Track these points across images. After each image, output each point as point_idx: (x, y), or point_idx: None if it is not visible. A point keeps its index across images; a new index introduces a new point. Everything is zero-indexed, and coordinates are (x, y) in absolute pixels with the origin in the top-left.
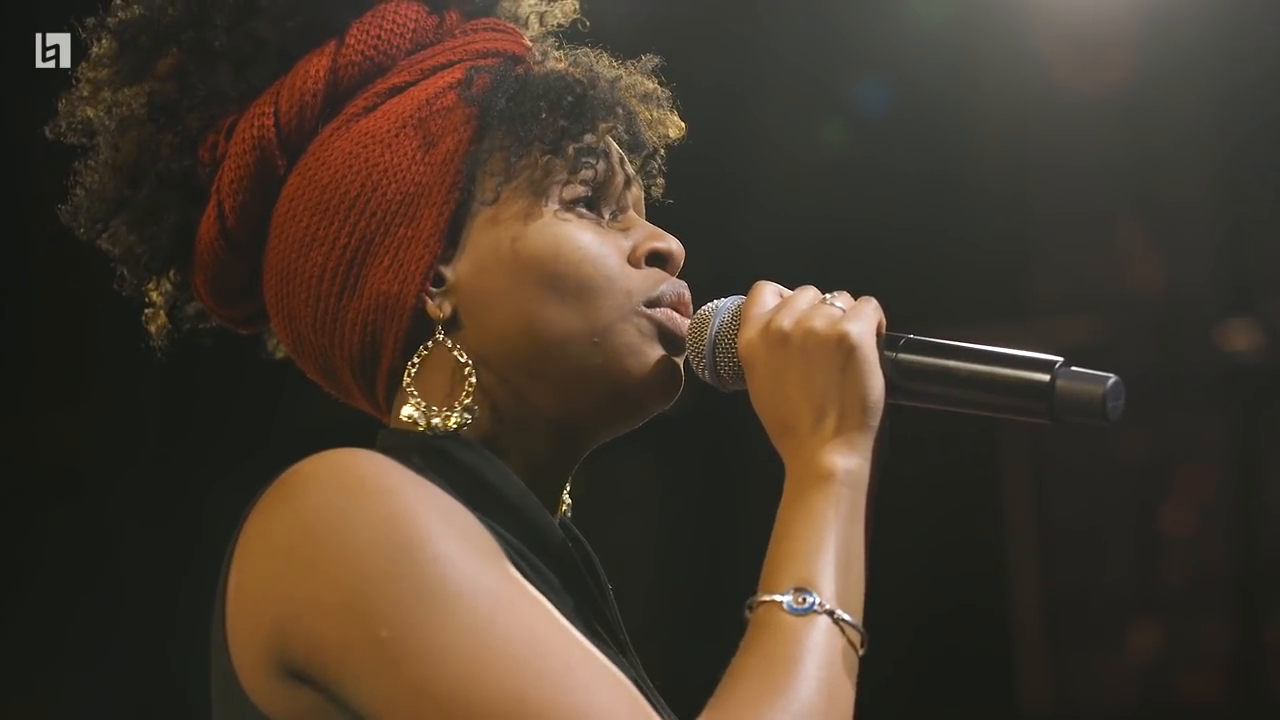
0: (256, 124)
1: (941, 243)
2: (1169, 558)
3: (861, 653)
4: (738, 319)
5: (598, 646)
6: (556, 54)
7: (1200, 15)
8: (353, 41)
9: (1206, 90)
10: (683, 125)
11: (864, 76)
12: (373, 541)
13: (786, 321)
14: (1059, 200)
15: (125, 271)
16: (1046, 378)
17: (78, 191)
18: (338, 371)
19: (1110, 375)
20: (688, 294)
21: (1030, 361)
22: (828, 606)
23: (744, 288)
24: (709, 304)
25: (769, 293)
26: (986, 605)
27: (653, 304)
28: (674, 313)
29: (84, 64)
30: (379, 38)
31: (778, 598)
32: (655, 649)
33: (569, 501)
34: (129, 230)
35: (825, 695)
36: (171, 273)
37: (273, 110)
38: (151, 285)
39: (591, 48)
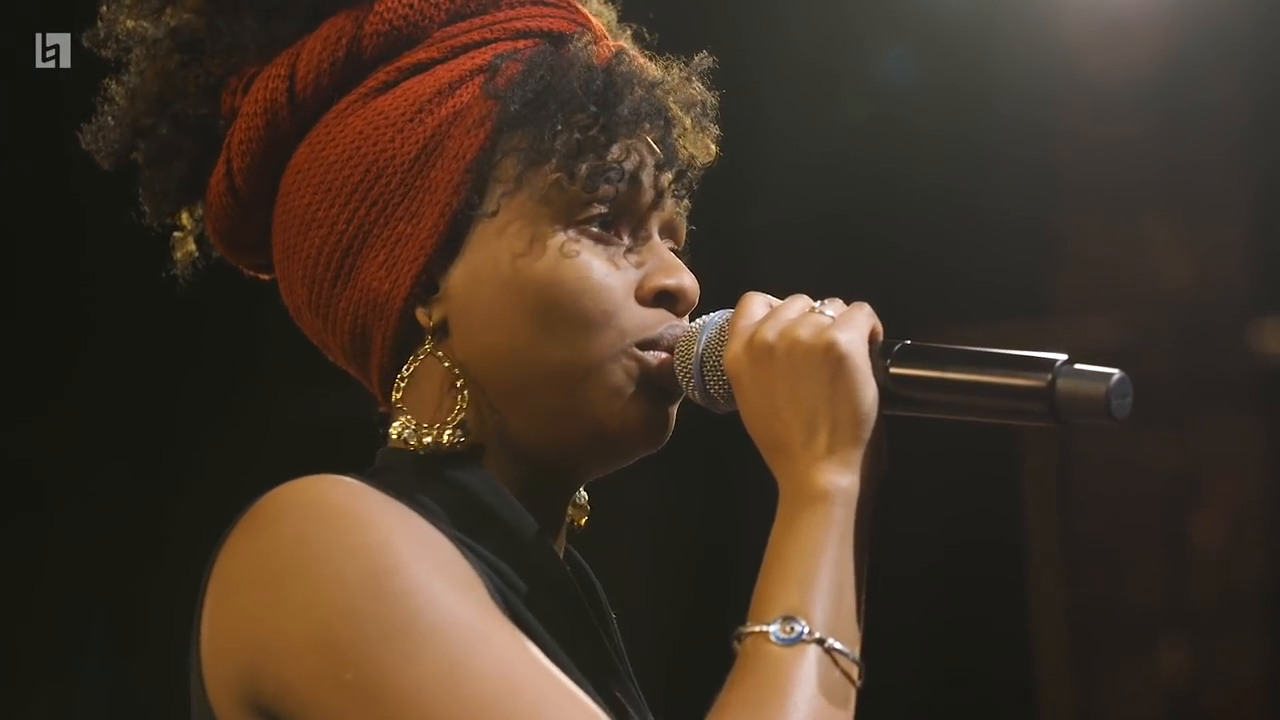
0: (270, 87)
1: (960, 238)
2: (1198, 572)
3: (859, 683)
4: (725, 334)
5: (590, 675)
6: (608, 40)
7: None
8: (382, 10)
9: (1242, 76)
10: (714, 150)
11: (879, 60)
12: (341, 575)
13: (771, 333)
14: (1082, 193)
15: (145, 205)
16: (1046, 379)
17: (106, 117)
18: (332, 352)
19: (1114, 371)
20: None
21: (1030, 362)
22: (817, 635)
23: (751, 274)
24: (696, 320)
25: (757, 304)
26: (1006, 622)
27: (647, 346)
28: (669, 356)
29: None
30: (411, 6)
31: (764, 628)
32: (655, 669)
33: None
34: (146, 163)
35: None
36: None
37: (288, 74)
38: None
39: (645, 32)
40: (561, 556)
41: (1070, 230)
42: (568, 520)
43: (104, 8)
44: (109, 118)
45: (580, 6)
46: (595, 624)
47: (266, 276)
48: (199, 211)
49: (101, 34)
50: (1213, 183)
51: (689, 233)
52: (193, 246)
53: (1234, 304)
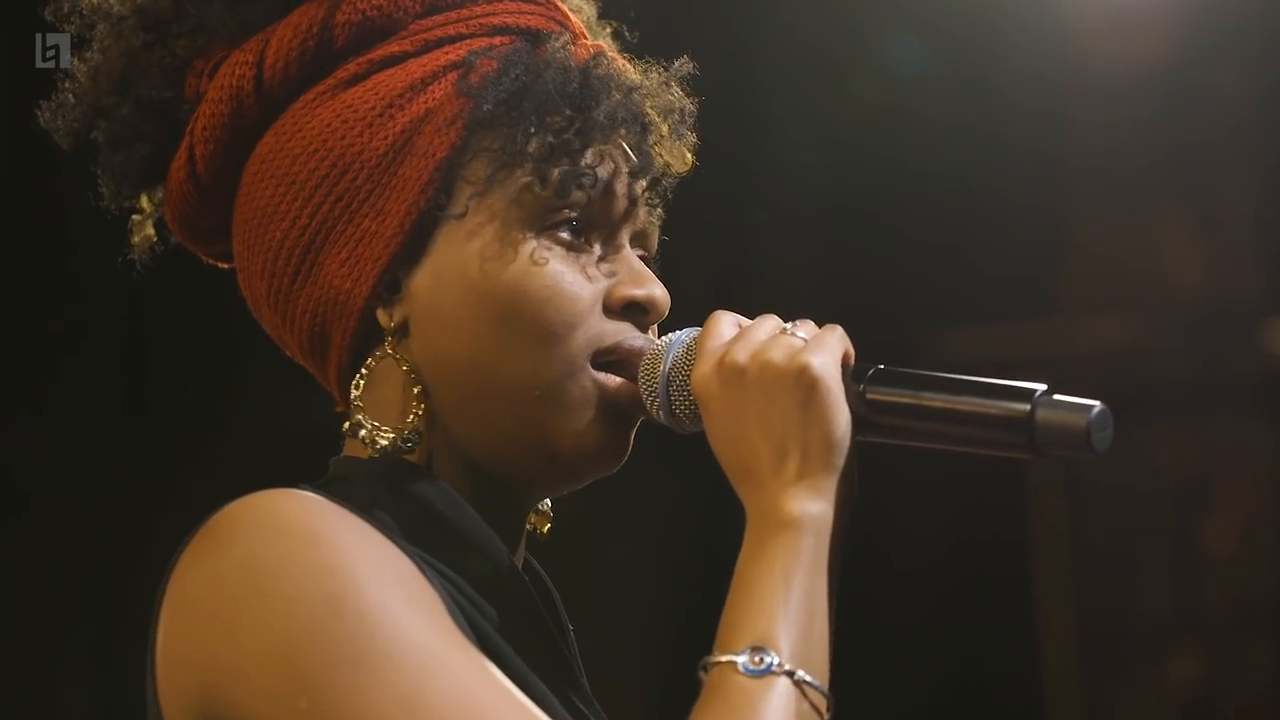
0: (237, 74)
1: (966, 231)
2: (1210, 578)
3: (828, 717)
4: (693, 353)
5: (550, 687)
6: (585, 40)
7: None
8: None
9: (1252, 70)
10: (690, 159)
11: (884, 51)
12: (295, 598)
13: (742, 355)
14: (1091, 191)
15: (104, 187)
16: (1025, 408)
17: (67, 95)
18: (289, 349)
19: (1095, 403)
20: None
21: (1009, 391)
22: (787, 667)
23: (754, 267)
24: (663, 337)
25: (726, 323)
26: (1014, 629)
27: (604, 355)
28: (629, 381)
29: None
30: None
31: (732, 658)
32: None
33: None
34: (107, 144)
35: None
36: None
37: (256, 61)
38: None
39: (625, 28)
40: (520, 565)
41: (1078, 223)
42: (529, 528)
43: None
44: (69, 95)
45: (559, 3)
46: (554, 635)
47: (226, 265)
48: (159, 195)
49: (65, 7)
50: (1224, 179)
51: (693, 228)
52: (151, 231)
53: (1246, 304)
